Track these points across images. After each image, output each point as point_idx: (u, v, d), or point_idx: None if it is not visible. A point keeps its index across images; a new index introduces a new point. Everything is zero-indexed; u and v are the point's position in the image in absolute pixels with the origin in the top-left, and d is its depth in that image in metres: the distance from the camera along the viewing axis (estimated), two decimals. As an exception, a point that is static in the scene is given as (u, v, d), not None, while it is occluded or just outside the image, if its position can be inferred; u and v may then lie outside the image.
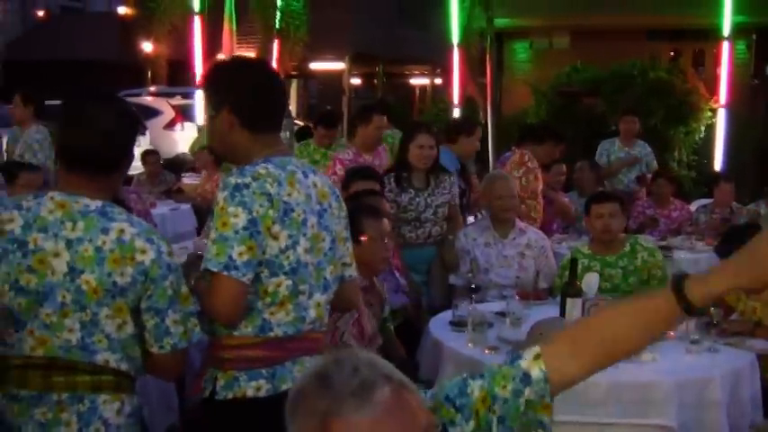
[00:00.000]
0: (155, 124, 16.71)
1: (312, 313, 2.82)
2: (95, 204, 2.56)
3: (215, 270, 2.61)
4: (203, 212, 8.94)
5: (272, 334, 2.75)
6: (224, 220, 2.63)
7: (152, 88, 22.56)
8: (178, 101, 20.00)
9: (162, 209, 9.11)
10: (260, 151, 2.82)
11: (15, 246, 2.48)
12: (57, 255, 2.48)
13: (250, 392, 2.72)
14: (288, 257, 2.72)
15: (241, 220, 2.63)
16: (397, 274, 5.11)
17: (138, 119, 2.81)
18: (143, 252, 2.54)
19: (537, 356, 1.90)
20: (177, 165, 12.58)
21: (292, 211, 2.73)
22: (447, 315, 4.58)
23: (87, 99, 2.70)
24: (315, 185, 2.87)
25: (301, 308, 2.79)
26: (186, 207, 9.43)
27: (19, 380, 2.52)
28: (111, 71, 23.84)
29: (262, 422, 2.49)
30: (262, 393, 2.72)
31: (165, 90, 21.88)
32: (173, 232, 8.38)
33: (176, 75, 23.91)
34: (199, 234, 8.94)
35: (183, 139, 18.17)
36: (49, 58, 24.59)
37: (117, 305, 2.53)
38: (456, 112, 15.55)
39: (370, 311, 4.12)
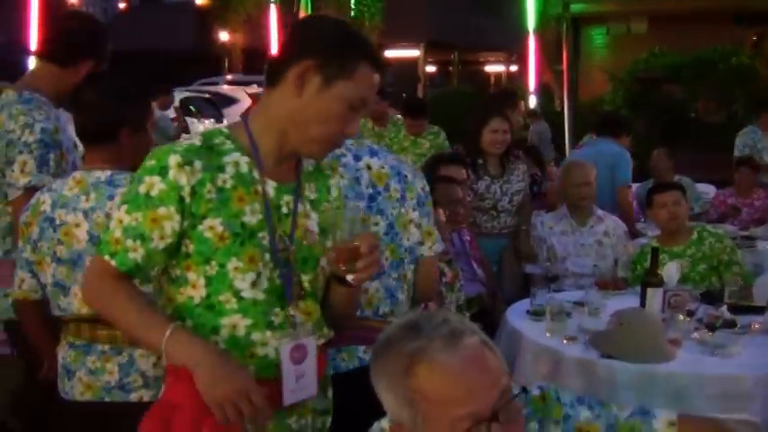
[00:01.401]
0: (231, 112, 16.87)
1: (362, 298, 2.78)
2: (105, 174, 2.86)
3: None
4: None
5: None
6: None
7: (228, 77, 22.85)
8: (254, 89, 20.19)
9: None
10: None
11: (47, 223, 2.84)
12: (78, 225, 2.80)
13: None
14: None
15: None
16: (474, 264, 5.07)
17: (127, 92, 2.96)
18: None
19: (672, 424, 1.92)
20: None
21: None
22: (524, 304, 4.53)
23: (87, 80, 3.13)
24: (368, 168, 2.86)
25: None
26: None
27: (74, 331, 2.85)
28: (189, 61, 24.18)
29: None
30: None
31: (241, 78, 22.13)
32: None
33: (252, 63, 24.15)
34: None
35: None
36: (130, 49, 25.01)
37: None
38: (532, 100, 15.42)
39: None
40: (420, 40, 25.64)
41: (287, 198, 2.25)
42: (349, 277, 2.20)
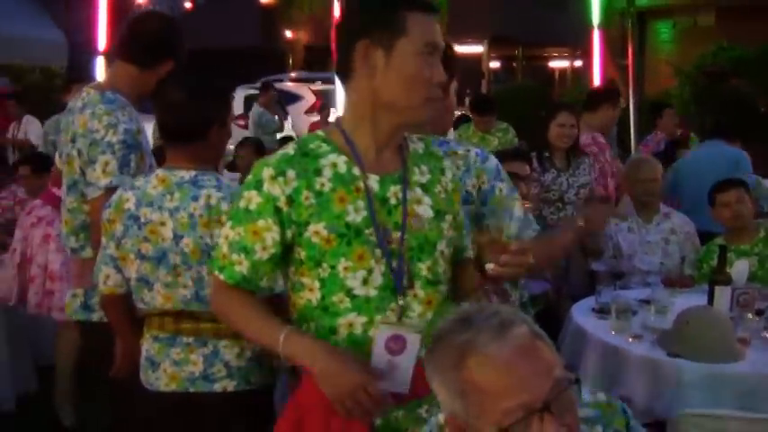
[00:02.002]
0: (296, 109, 16.98)
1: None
2: (189, 175, 2.91)
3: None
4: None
5: None
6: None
7: (293, 74, 22.93)
8: (318, 86, 20.26)
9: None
10: None
11: (132, 221, 2.90)
12: (163, 224, 2.86)
13: None
14: None
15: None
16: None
17: (214, 92, 3.03)
18: (227, 214, 2.74)
19: None
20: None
21: None
22: (590, 301, 4.51)
23: (171, 79, 3.14)
24: None
25: None
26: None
27: (158, 324, 2.93)
28: (254, 58, 24.34)
29: None
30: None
31: (305, 75, 22.19)
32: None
33: (316, 60, 24.26)
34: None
35: (324, 123, 18.42)
36: (196, 47, 25.28)
37: None
38: (597, 95, 15.24)
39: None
40: (484, 36, 25.52)
41: (394, 188, 2.27)
42: (488, 266, 2.22)
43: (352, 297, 2.22)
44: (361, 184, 2.23)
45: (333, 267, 2.20)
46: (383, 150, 2.28)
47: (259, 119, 12.58)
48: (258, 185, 2.21)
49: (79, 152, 3.31)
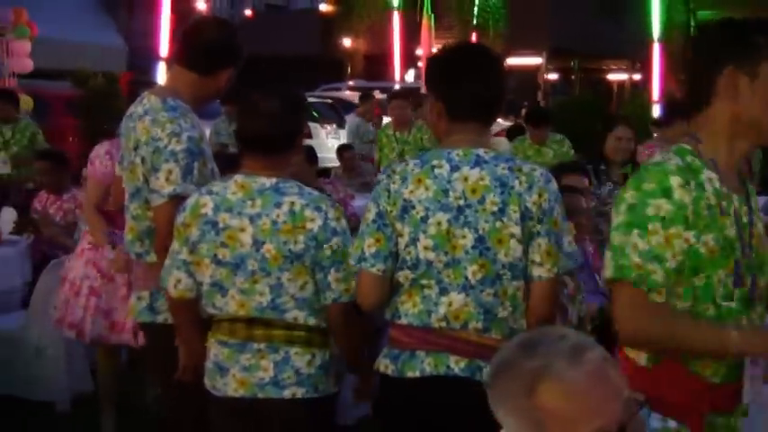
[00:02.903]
0: (354, 118, 17.00)
1: (442, 310, 2.72)
2: (270, 182, 2.94)
3: (352, 263, 2.82)
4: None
5: (398, 321, 2.80)
6: (365, 215, 2.81)
7: (351, 83, 23.05)
8: (377, 95, 20.33)
9: (361, 201, 9.22)
10: (446, 141, 2.86)
11: (209, 226, 2.92)
12: (242, 230, 2.89)
13: (382, 368, 2.85)
14: (409, 253, 2.73)
15: (371, 213, 2.78)
16: (597, 276, 4.98)
17: (304, 104, 3.15)
18: (312, 220, 2.90)
19: None
20: (375, 157, 12.74)
21: (412, 208, 2.72)
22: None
23: (257, 89, 3.07)
24: (465, 179, 2.72)
25: (430, 302, 2.74)
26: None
27: (228, 330, 2.97)
28: (313, 66, 24.50)
29: (388, 398, 2.83)
30: (389, 372, 2.81)
31: (363, 84, 22.27)
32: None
33: (374, 69, 24.34)
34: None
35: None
36: (256, 55, 25.53)
37: (296, 269, 2.91)
38: (655, 109, 15.09)
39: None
40: (541, 48, 25.41)
41: (744, 208, 2.36)
42: None
43: (717, 307, 2.29)
44: (731, 202, 2.32)
45: (708, 277, 2.28)
46: (733, 170, 2.39)
47: (357, 128, 12.79)
48: (667, 193, 2.24)
49: (143, 160, 3.31)
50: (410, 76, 22.61)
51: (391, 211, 2.74)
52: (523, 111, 11.58)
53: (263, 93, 3.02)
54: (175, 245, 3.00)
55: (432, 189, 2.72)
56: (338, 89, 20.38)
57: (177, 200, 3.18)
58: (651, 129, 14.46)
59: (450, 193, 2.71)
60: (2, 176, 9.21)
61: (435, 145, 9.79)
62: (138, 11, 25.55)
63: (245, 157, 3.03)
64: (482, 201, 2.70)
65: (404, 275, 2.76)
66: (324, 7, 29.25)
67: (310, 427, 3.00)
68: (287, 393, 2.92)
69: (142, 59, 21.46)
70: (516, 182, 2.70)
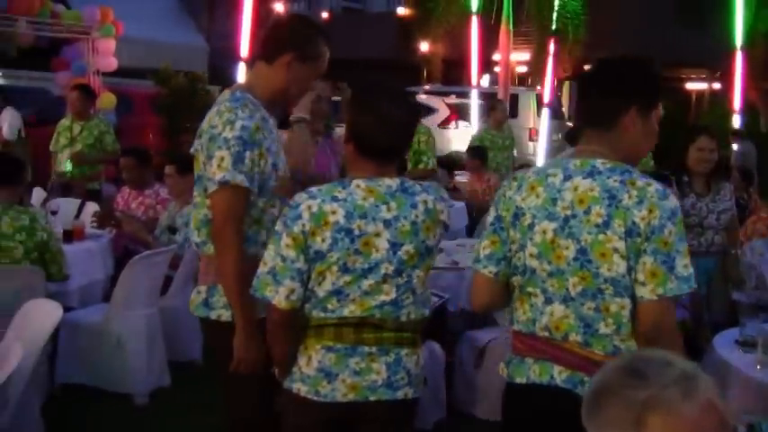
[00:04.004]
0: (429, 122, 16.98)
1: (545, 320, 2.71)
2: (395, 183, 2.91)
3: (469, 264, 2.88)
4: (474, 211, 9.02)
5: (513, 326, 2.87)
6: (487, 219, 2.85)
7: (427, 86, 23.05)
8: (453, 99, 20.30)
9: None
10: (577, 150, 2.84)
11: (343, 234, 2.82)
12: (378, 235, 2.84)
13: (500, 371, 2.91)
14: (519, 259, 2.77)
15: (491, 217, 2.84)
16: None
17: (419, 108, 3.04)
18: (442, 212, 2.96)
19: None
20: (451, 163, 12.73)
21: (522, 215, 2.75)
22: (733, 333, 4.34)
23: (379, 92, 3.01)
24: (575, 189, 2.67)
25: (536, 311, 2.76)
26: (460, 205, 9.53)
27: (334, 335, 2.91)
28: (389, 69, 24.52)
29: (504, 401, 2.91)
30: (504, 375, 2.87)
31: (440, 89, 22.28)
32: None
33: (451, 74, 24.28)
34: (470, 233, 9.02)
35: (458, 137, 18.44)
36: (333, 57, 25.67)
37: (426, 264, 2.97)
38: (736, 119, 14.81)
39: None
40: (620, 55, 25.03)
41: None
42: None
43: None
44: None
45: None
46: None
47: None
48: None
49: (202, 147, 3.33)
50: (485, 80, 22.52)
51: (505, 217, 2.79)
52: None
53: (391, 101, 2.94)
54: (290, 253, 2.83)
55: (542, 197, 2.72)
56: (414, 93, 20.37)
57: (229, 187, 3.19)
58: (731, 139, 14.21)
59: (559, 203, 2.68)
60: (65, 174, 9.16)
61: (431, 149, 9.95)
62: (219, 12, 25.87)
63: (359, 160, 2.95)
64: (587, 212, 2.63)
65: (516, 281, 2.81)
66: (401, 10, 29.23)
67: (411, 427, 3.11)
68: (400, 394, 2.94)
69: (222, 60, 21.74)
70: (626, 195, 2.61)
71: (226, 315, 3.34)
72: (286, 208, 2.94)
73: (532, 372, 2.76)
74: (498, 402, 3.62)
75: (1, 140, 10.17)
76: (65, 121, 9.30)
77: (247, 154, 3.22)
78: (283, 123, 4.34)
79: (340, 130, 4.34)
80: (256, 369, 3.25)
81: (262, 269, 2.90)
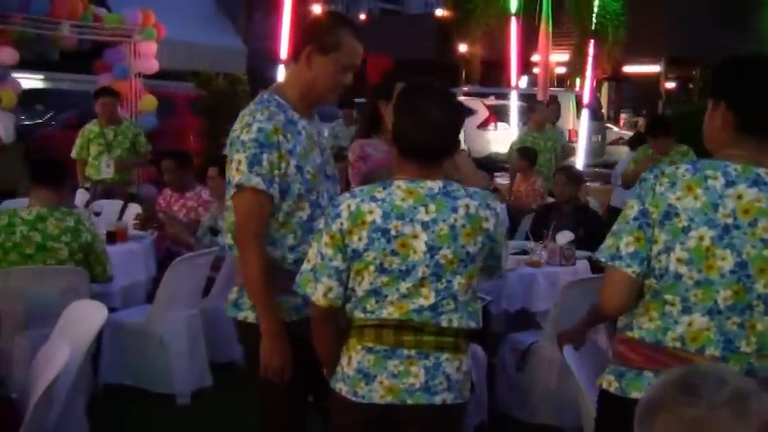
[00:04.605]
0: (468, 123, 17.01)
1: (680, 330, 2.57)
2: (437, 186, 2.87)
3: (603, 260, 2.65)
4: (515, 213, 8.99)
5: (629, 333, 2.68)
6: (624, 212, 2.64)
7: (466, 88, 23.03)
8: (492, 101, 20.27)
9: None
10: (721, 153, 2.66)
11: (379, 234, 2.81)
12: (415, 237, 2.80)
13: (604, 384, 2.75)
14: (660, 261, 2.57)
15: (633, 210, 2.61)
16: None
17: (464, 109, 3.03)
18: (487, 220, 2.87)
19: None
20: (490, 164, 12.69)
21: (676, 215, 2.54)
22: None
23: (420, 93, 2.96)
24: (738, 197, 2.52)
25: (669, 319, 2.59)
26: (501, 206, 9.46)
27: (374, 336, 2.89)
28: (427, 70, 24.51)
29: (610, 417, 2.74)
30: (612, 389, 2.71)
31: (478, 90, 22.27)
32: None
33: (490, 75, 24.24)
34: (511, 235, 8.98)
35: (496, 138, 18.42)
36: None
37: (469, 272, 2.87)
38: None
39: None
40: (660, 56, 24.90)
41: None
42: None
43: None
44: None
45: None
46: None
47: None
48: None
49: (228, 152, 3.34)
50: (524, 82, 22.46)
51: (653, 213, 2.57)
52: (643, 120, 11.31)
53: (431, 101, 2.91)
54: (328, 251, 2.86)
55: (701, 200, 2.53)
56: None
57: (245, 190, 3.18)
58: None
59: (720, 209, 2.52)
60: (105, 180, 9.14)
61: None
62: (257, 15, 26.01)
63: (403, 162, 2.93)
64: (753, 224, 2.51)
65: (648, 284, 2.61)
66: (440, 12, 29.22)
67: None
68: (438, 399, 2.88)
69: (260, 61, 21.84)
70: None
71: (251, 317, 3.33)
72: (330, 206, 2.95)
73: (625, 380, 2.66)
74: (542, 405, 3.58)
75: None
76: (93, 128, 9.22)
77: (264, 156, 3.19)
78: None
79: None
80: (283, 377, 3.25)
81: (305, 266, 2.93)
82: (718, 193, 2.53)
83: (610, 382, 2.71)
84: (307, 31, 3.45)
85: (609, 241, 2.65)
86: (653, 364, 2.60)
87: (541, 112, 10.99)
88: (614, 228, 2.65)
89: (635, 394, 2.60)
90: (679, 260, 2.54)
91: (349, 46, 3.36)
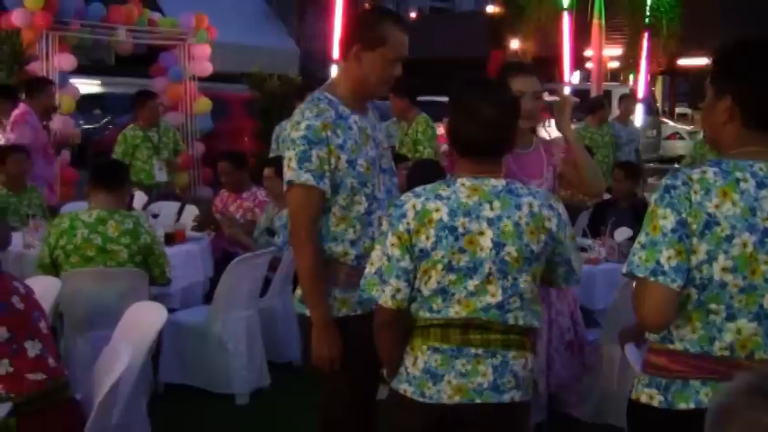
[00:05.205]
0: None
1: (728, 338, 2.49)
2: (501, 183, 2.88)
3: (641, 275, 2.49)
4: (571, 209, 8.90)
5: (670, 346, 2.58)
6: (654, 223, 2.50)
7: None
8: (545, 97, 20.06)
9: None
10: (734, 148, 2.57)
11: (447, 232, 2.81)
12: (482, 233, 2.81)
13: (644, 398, 2.62)
14: (701, 271, 2.47)
15: (669, 221, 2.47)
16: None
17: (516, 105, 2.99)
18: (549, 219, 2.86)
19: None
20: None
21: (717, 224, 2.44)
22: None
23: (475, 91, 2.95)
24: None
25: (713, 328, 2.51)
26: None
27: (440, 336, 2.87)
28: (479, 68, 24.42)
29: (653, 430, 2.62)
30: (654, 403, 2.59)
31: (530, 86, 22.04)
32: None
33: (542, 71, 24.04)
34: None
35: (552, 134, 18.24)
36: (421, 57, 25.75)
37: (533, 270, 2.87)
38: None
39: None
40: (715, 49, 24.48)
41: None
42: None
43: None
44: None
45: None
46: None
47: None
48: None
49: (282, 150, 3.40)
50: (576, 77, 22.28)
51: (692, 224, 2.46)
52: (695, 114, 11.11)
53: (482, 97, 2.91)
54: (395, 252, 2.85)
55: (739, 206, 2.45)
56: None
57: (296, 186, 3.24)
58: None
59: (758, 213, 2.46)
60: (159, 184, 9.14)
61: (429, 138, 9.51)
62: (309, 15, 26.13)
63: (462, 160, 2.95)
64: None
65: (687, 295, 2.51)
66: (491, 9, 29.11)
67: (520, 430, 3.04)
68: (506, 398, 2.88)
69: (312, 62, 21.95)
70: None
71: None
72: (392, 207, 2.95)
73: (704, 395, 2.53)
74: (603, 405, 3.52)
75: None
76: (135, 132, 9.11)
77: (313, 152, 3.24)
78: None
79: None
80: (333, 367, 3.29)
81: (369, 269, 2.92)
82: (752, 196, 2.46)
83: (651, 396, 2.59)
84: (352, 29, 3.47)
85: (643, 254, 2.49)
86: (700, 373, 2.52)
87: (605, 108, 10.92)
88: (644, 239, 2.50)
89: (682, 405, 2.53)
90: (724, 269, 2.45)
91: (395, 38, 3.38)
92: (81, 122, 15.45)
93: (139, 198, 8.28)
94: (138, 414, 4.41)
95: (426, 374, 2.89)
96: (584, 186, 4.35)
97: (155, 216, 6.92)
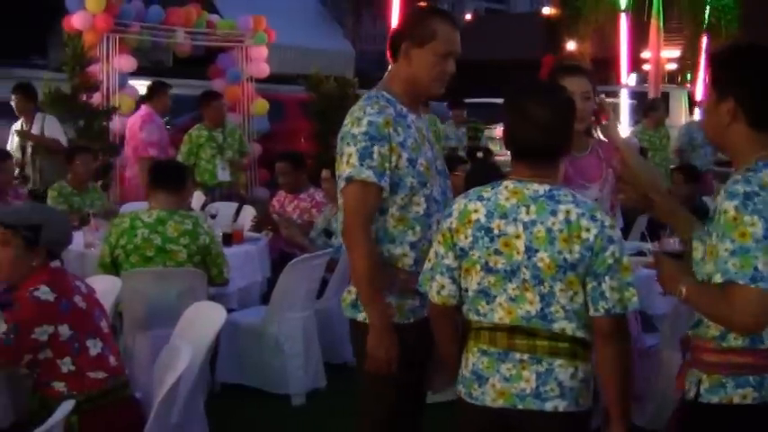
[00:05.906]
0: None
1: None
2: (543, 189, 2.84)
3: (741, 282, 2.45)
4: (629, 212, 8.79)
5: (762, 346, 2.59)
6: (741, 230, 2.47)
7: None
8: (605, 99, 19.86)
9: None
10: (756, 151, 2.59)
11: (483, 232, 2.85)
12: (517, 237, 2.81)
13: (736, 399, 2.60)
14: None
15: (759, 228, 2.45)
16: None
17: (570, 108, 2.94)
18: (587, 230, 2.77)
19: None
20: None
21: None
22: None
23: (528, 93, 2.94)
24: None
25: None
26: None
27: (489, 339, 2.89)
28: (535, 70, 24.31)
29: (749, 429, 2.61)
30: (748, 401, 2.59)
31: (587, 88, 21.87)
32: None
33: (600, 73, 23.85)
34: (625, 235, 8.80)
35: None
36: (476, 58, 25.69)
37: (569, 279, 2.79)
38: None
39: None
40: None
41: None
42: None
43: None
44: None
45: None
46: None
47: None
48: None
49: (339, 148, 3.33)
50: (632, 79, 22.05)
51: None
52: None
53: (534, 99, 2.88)
54: (440, 249, 2.94)
55: None
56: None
57: (355, 183, 3.18)
58: None
59: None
60: (222, 184, 9.12)
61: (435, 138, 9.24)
62: (364, 17, 26.22)
63: (514, 163, 2.93)
64: None
65: None
66: (546, 10, 28.95)
67: None
68: (549, 406, 2.82)
69: (368, 63, 21.98)
70: None
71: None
72: (447, 207, 3.02)
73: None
74: (662, 411, 3.45)
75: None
76: (201, 132, 9.09)
77: (375, 149, 3.18)
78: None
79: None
80: (388, 371, 3.25)
81: (426, 265, 3.01)
82: None
83: (745, 395, 2.59)
84: (401, 27, 3.44)
85: (736, 261, 2.47)
86: None
87: (661, 110, 10.80)
88: (732, 246, 2.47)
89: None
90: None
91: (444, 33, 3.35)
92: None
93: (197, 198, 8.34)
94: (196, 413, 4.45)
95: (474, 376, 2.92)
96: (641, 188, 4.29)
97: (212, 216, 6.96)
